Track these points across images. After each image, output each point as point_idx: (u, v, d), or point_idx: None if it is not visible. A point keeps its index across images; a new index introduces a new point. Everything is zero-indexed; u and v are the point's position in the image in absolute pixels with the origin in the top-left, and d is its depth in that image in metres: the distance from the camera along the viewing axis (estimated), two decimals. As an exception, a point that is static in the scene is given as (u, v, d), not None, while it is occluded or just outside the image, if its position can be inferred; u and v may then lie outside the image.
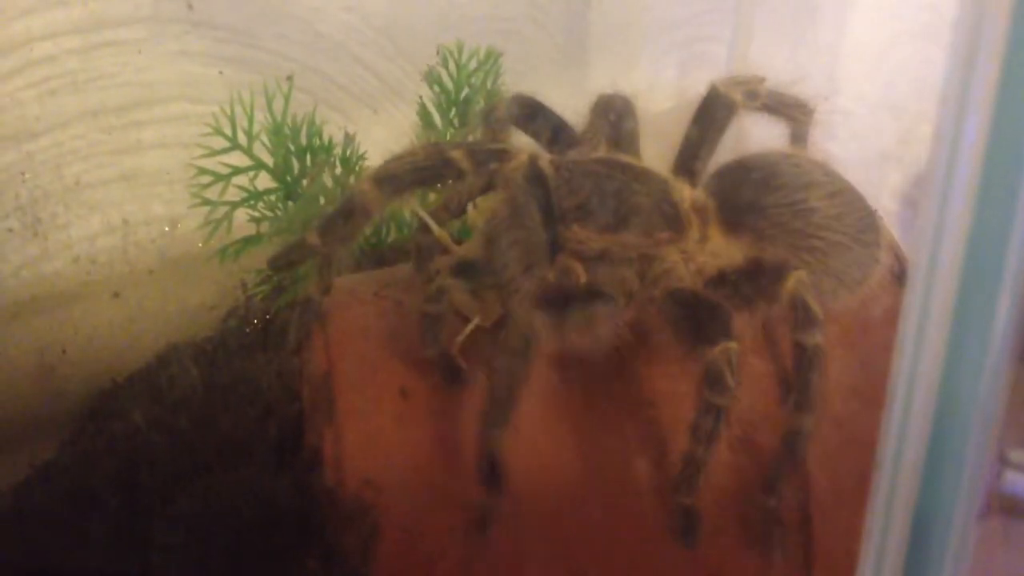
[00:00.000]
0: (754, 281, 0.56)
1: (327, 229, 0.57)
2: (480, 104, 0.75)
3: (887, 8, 1.16)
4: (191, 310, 0.77)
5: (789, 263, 0.55)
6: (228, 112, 0.70)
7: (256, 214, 0.71)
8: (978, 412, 0.35)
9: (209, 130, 0.71)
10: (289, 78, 0.73)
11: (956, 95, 0.33)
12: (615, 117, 0.66)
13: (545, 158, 0.59)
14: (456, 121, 0.76)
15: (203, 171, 0.70)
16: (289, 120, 0.72)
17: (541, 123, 0.64)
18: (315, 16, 0.84)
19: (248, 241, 0.71)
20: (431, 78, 0.76)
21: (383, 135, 0.86)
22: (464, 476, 0.54)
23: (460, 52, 0.77)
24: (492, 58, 0.77)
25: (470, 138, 0.72)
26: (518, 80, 0.98)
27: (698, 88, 1.10)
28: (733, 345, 0.52)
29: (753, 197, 0.60)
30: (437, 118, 0.76)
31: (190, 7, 0.78)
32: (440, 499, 0.55)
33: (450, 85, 0.76)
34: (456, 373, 0.55)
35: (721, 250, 0.59)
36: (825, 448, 0.57)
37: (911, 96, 1.12)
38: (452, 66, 0.77)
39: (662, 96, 1.08)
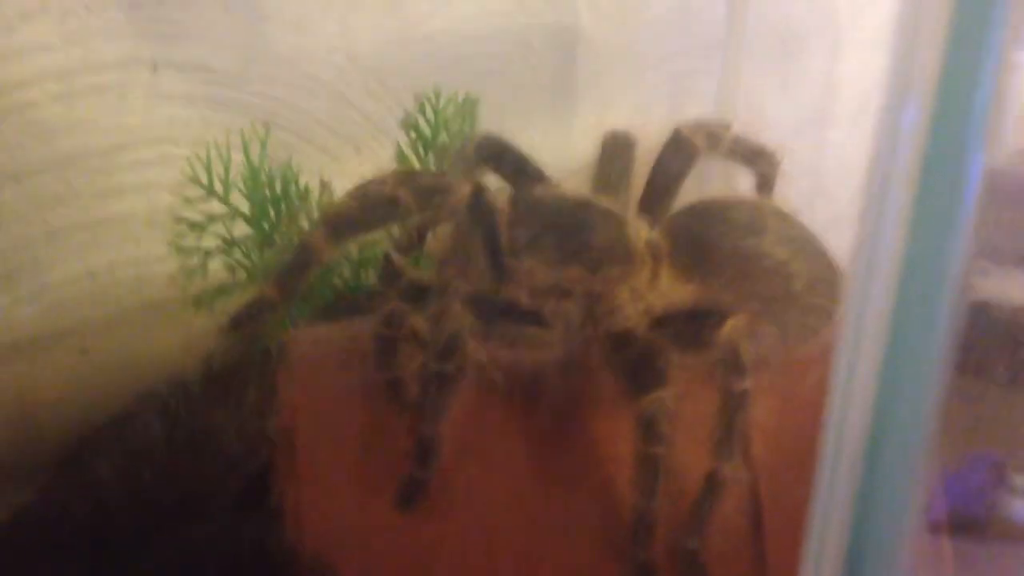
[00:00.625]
0: (695, 324, 0.56)
1: (282, 281, 0.58)
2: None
3: (876, 39, 1.16)
4: (168, 356, 0.77)
5: (729, 309, 0.55)
6: (204, 159, 0.71)
7: (232, 261, 0.72)
8: (912, 446, 0.35)
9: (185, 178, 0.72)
10: (266, 125, 0.73)
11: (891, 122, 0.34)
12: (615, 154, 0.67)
13: (505, 193, 0.60)
14: (433, 166, 0.77)
15: (179, 219, 0.70)
16: (267, 166, 0.72)
17: (507, 162, 0.66)
18: (301, 57, 0.85)
19: (223, 289, 0.71)
20: (408, 124, 0.76)
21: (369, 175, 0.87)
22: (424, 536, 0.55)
23: (437, 98, 0.77)
24: (469, 103, 0.78)
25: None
26: (506, 118, 0.99)
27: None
28: (668, 393, 0.52)
29: (705, 241, 0.60)
30: (415, 162, 0.77)
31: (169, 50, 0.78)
32: (398, 559, 0.55)
33: (427, 131, 0.77)
34: (406, 398, 0.56)
35: (671, 292, 0.60)
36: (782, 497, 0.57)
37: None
38: (430, 111, 0.77)
39: (651, 131, 1.08)
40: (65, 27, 0.75)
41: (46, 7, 0.74)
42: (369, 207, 0.59)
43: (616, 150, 0.67)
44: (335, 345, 0.63)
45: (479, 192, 0.58)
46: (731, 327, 0.53)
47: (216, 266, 0.72)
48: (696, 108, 1.10)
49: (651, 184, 0.66)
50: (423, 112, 0.77)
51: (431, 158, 0.77)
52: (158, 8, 0.78)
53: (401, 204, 0.58)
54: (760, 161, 0.68)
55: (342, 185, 0.77)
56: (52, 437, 0.75)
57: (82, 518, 0.64)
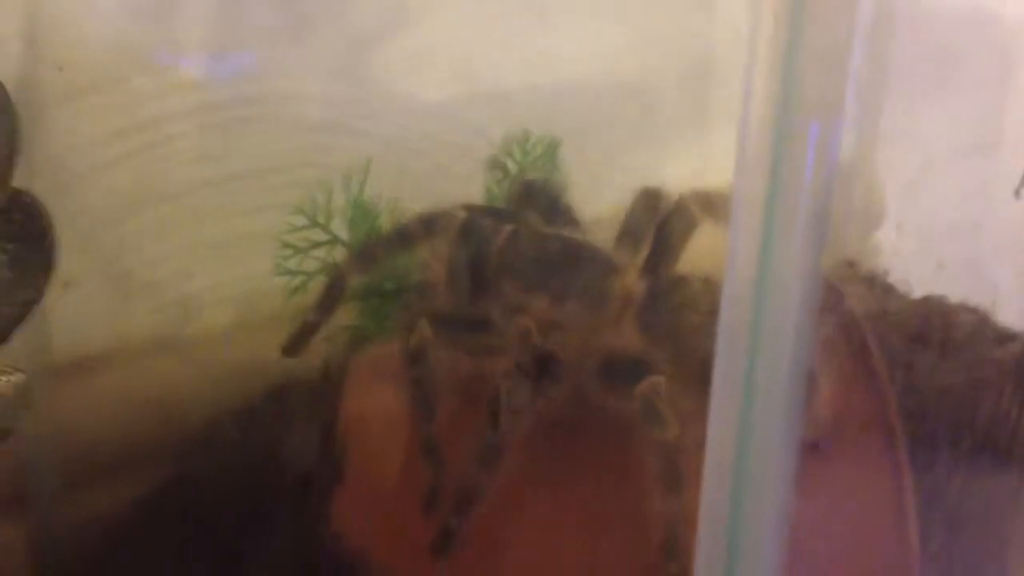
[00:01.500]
0: (626, 371, 0.62)
1: (320, 307, 0.72)
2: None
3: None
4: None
5: (655, 365, 0.60)
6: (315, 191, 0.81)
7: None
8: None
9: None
10: (367, 162, 0.82)
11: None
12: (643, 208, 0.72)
13: (507, 227, 0.69)
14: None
15: (286, 245, 0.80)
16: (367, 196, 0.81)
17: (544, 205, 0.75)
18: (422, 86, 0.94)
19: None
20: (495, 163, 0.84)
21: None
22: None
23: (526, 139, 0.85)
24: (553, 146, 0.84)
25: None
26: (639, 147, 1.04)
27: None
28: (659, 378, 0.58)
29: (665, 308, 0.65)
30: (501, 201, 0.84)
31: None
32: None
33: (514, 171, 0.84)
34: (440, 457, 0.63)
35: (626, 340, 0.65)
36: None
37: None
38: (518, 152, 0.84)
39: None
40: (213, 67, 0.87)
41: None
42: (384, 239, 0.71)
43: (644, 205, 0.72)
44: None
45: (469, 219, 0.67)
46: (648, 383, 0.59)
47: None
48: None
49: (654, 245, 0.70)
50: (510, 153, 0.84)
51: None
52: (292, 48, 0.89)
53: (410, 232, 0.69)
54: None
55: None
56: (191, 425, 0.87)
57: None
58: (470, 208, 0.71)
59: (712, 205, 0.70)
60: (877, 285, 1.16)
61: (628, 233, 0.72)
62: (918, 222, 1.20)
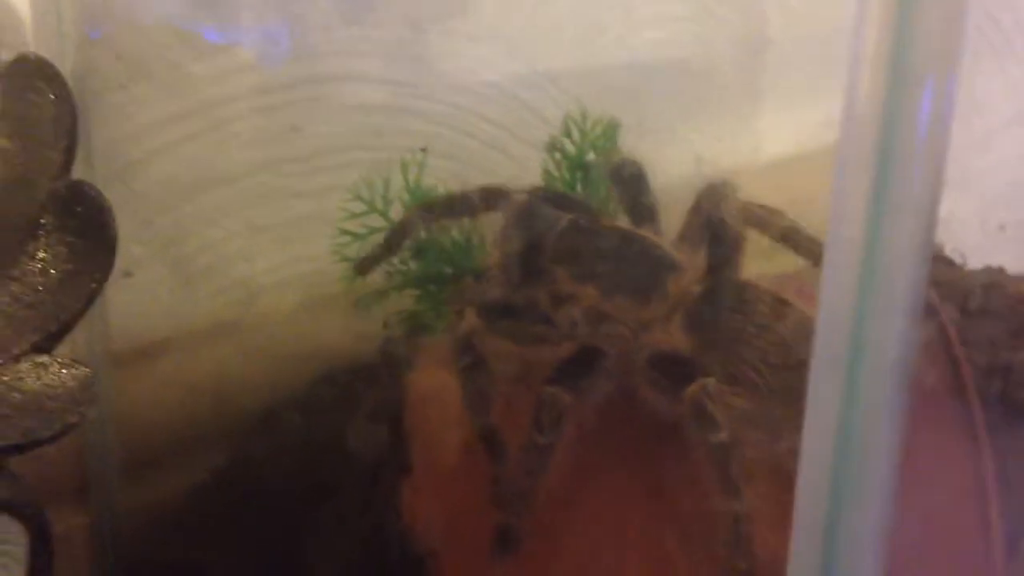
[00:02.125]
0: (676, 373, 0.60)
1: (389, 240, 0.75)
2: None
3: None
4: (344, 343, 0.87)
5: (704, 368, 0.59)
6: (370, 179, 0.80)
7: (390, 269, 0.80)
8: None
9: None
10: (423, 149, 0.81)
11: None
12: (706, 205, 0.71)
13: (566, 216, 0.68)
14: (579, 184, 0.82)
15: (344, 232, 0.80)
16: (424, 183, 0.81)
17: (629, 190, 0.74)
18: (481, 66, 0.92)
19: (381, 293, 0.80)
20: (553, 146, 0.82)
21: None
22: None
23: (584, 119, 0.83)
24: (613, 127, 0.83)
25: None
26: (688, 118, 1.03)
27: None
28: (709, 380, 0.57)
29: (714, 311, 0.64)
30: (559, 182, 0.83)
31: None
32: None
33: (573, 151, 0.83)
34: (499, 447, 0.62)
35: (675, 339, 0.64)
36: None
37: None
38: (576, 133, 0.83)
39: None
40: (268, 49, 0.86)
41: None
42: (449, 201, 0.72)
43: (706, 203, 0.70)
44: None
45: (530, 201, 0.68)
46: (698, 385, 0.58)
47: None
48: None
49: (711, 248, 0.69)
50: (569, 135, 0.83)
51: (579, 176, 0.83)
52: (349, 29, 0.88)
53: (471, 201, 0.71)
54: (809, 249, 0.70)
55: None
56: (245, 411, 0.87)
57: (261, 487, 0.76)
58: (533, 192, 0.70)
59: (766, 219, 0.68)
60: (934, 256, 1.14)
61: (690, 230, 0.70)
62: (976, 187, 1.18)
